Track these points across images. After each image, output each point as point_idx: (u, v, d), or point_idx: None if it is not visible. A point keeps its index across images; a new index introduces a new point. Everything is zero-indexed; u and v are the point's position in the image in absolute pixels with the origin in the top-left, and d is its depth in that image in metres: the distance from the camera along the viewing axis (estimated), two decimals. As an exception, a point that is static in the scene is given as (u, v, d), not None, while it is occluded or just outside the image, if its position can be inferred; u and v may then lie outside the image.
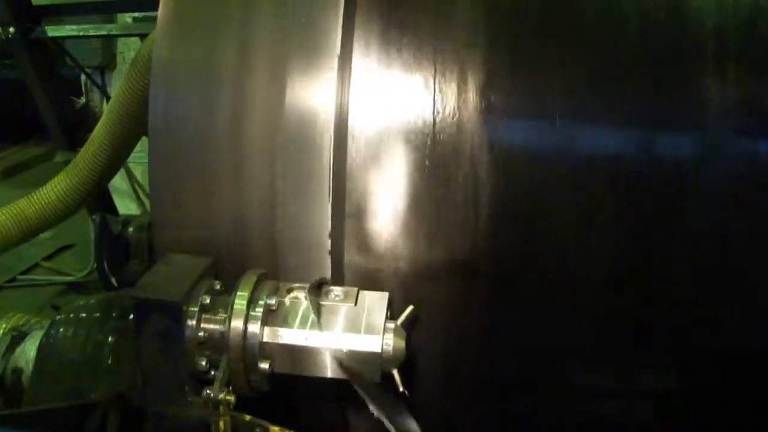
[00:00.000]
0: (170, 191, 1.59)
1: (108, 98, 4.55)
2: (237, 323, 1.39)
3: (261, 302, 1.41)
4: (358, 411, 1.69)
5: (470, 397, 1.71)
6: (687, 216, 1.58)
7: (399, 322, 1.44)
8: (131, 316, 1.99)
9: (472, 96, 1.55)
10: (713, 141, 1.57)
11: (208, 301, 1.44)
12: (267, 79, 1.55)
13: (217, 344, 1.42)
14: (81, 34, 3.87)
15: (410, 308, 1.47)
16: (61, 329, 2.25)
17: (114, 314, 2.19)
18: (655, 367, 1.69)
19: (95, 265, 3.32)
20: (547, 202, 1.58)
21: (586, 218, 1.57)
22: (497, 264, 1.58)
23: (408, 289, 1.56)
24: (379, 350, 1.39)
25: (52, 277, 4.73)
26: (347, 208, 1.56)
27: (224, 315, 1.42)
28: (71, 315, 2.31)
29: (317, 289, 1.47)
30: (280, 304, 1.43)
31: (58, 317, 2.29)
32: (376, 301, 1.48)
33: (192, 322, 1.41)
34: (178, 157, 1.58)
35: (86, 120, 4.18)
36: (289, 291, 1.46)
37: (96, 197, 3.62)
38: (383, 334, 1.40)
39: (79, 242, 4.86)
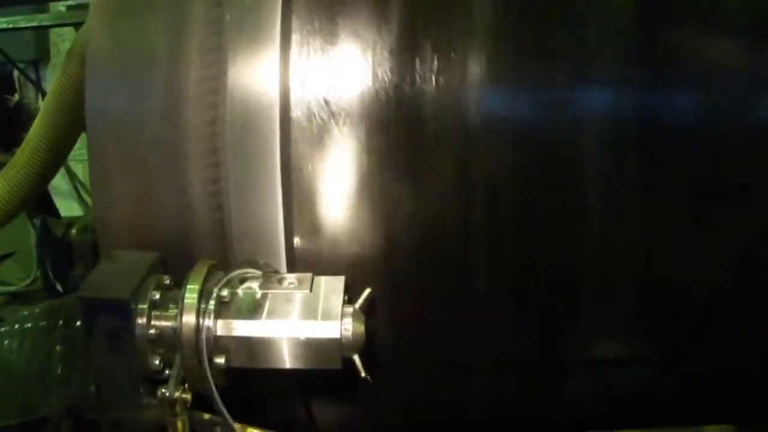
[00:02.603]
0: (111, 185, 1.62)
1: (44, 94, 4.49)
2: (189, 318, 1.41)
3: (213, 294, 1.44)
4: (322, 402, 1.73)
5: (429, 381, 1.76)
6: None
7: (357, 306, 1.47)
8: (78, 323, 2.00)
9: (426, 73, 1.58)
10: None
11: (157, 296, 1.46)
12: (204, 63, 1.58)
13: (170, 341, 1.44)
14: (11, 26, 3.82)
15: (368, 291, 1.50)
16: (6, 342, 2.25)
17: (61, 322, 2.19)
18: (625, 338, 1.76)
19: (39, 272, 3.30)
20: (505, 180, 1.62)
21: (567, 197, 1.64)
22: (455, 247, 1.63)
23: (364, 273, 1.60)
24: (338, 336, 1.42)
25: (-9, 288, 4.67)
26: (296, 194, 1.59)
27: (175, 310, 1.44)
28: (15, 326, 2.30)
29: (270, 277, 1.51)
30: (233, 295, 1.46)
31: (1, 330, 2.28)
32: (332, 286, 1.50)
33: (142, 320, 1.43)
34: (116, 148, 1.60)
35: (21, 118, 4.12)
36: (242, 281, 1.49)
37: (36, 200, 3.58)
38: (341, 319, 1.43)
39: (19, 250, 4.78)
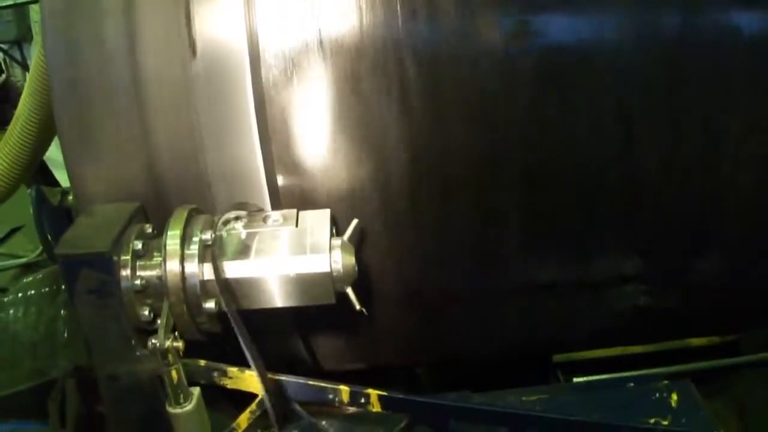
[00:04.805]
0: (83, 142, 1.47)
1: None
2: (172, 265, 1.28)
3: (195, 239, 1.30)
4: (321, 337, 1.62)
5: (425, 309, 1.64)
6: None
7: (345, 237, 1.35)
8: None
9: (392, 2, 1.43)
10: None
11: (140, 246, 1.32)
12: (165, 10, 1.43)
13: (158, 290, 1.31)
14: (-12, 8, 3.66)
15: (355, 222, 1.38)
16: (11, 311, 2.16)
17: (63, 286, 2.09)
18: (602, 257, 1.64)
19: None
20: (478, 103, 1.48)
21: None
22: (434, 169, 1.49)
23: (348, 204, 1.47)
24: (328, 269, 1.30)
25: (4, 262, 4.55)
26: (273, 132, 1.45)
27: (160, 258, 1.31)
28: (20, 294, 2.21)
29: (254, 216, 1.38)
30: (217, 238, 1.33)
31: (6, 299, 2.20)
32: (318, 220, 1.38)
33: (126, 272, 1.30)
34: (84, 104, 1.45)
35: (10, 96, 3.97)
36: (225, 223, 1.36)
37: (35, 173, 3.46)
38: (330, 252, 1.31)
39: (27, 223, 4.67)
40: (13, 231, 4.88)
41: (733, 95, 1.50)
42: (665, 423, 1.60)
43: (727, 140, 1.53)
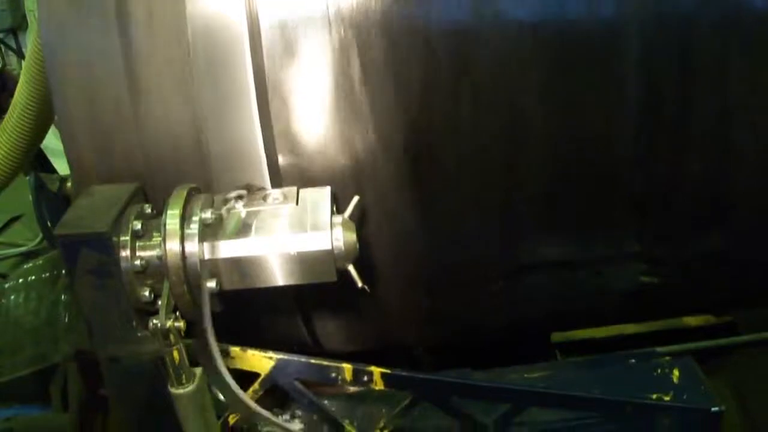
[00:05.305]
0: (81, 125, 1.44)
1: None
2: (172, 244, 1.26)
3: (195, 218, 1.28)
4: (322, 316, 1.60)
5: (427, 288, 1.63)
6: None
7: (347, 214, 1.33)
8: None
9: None
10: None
11: (139, 226, 1.30)
12: None
13: (158, 271, 1.29)
14: (-18, -2, 3.62)
15: (356, 199, 1.36)
16: (12, 297, 2.15)
17: (63, 271, 2.08)
18: (604, 237, 1.63)
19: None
20: (471, 75, 1.45)
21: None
22: (437, 148, 1.48)
23: (349, 181, 1.45)
24: (329, 247, 1.28)
25: (4, 251, 4.54)
26: (273, 109, 1.42)
27: (159, 238, 1.28)
28: (20, 280, 2.21)
29: (254, 195, 1.36)
30: (217, 216, 1.31)
31: (7, 285, 2.19)
32: (318, 198, 1.36)
33: (126, 252, 1.28)
34: (81, 89, 1.42)
35: (6, 85, 3.93)
36: (225, 202, 1.34)
37: (32, 161, 3.43)
38: (331, 230, 1.29)
39: (27, 212, 4.65)
40: (12, 220, 4.86)
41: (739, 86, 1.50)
42: (667, 398, 1.60)
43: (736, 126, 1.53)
